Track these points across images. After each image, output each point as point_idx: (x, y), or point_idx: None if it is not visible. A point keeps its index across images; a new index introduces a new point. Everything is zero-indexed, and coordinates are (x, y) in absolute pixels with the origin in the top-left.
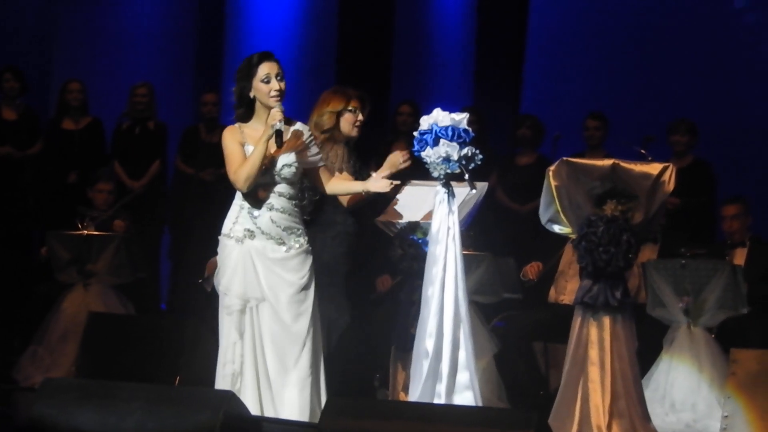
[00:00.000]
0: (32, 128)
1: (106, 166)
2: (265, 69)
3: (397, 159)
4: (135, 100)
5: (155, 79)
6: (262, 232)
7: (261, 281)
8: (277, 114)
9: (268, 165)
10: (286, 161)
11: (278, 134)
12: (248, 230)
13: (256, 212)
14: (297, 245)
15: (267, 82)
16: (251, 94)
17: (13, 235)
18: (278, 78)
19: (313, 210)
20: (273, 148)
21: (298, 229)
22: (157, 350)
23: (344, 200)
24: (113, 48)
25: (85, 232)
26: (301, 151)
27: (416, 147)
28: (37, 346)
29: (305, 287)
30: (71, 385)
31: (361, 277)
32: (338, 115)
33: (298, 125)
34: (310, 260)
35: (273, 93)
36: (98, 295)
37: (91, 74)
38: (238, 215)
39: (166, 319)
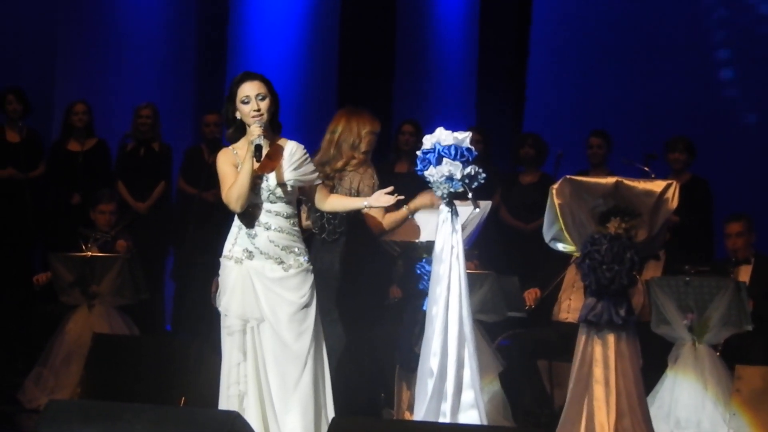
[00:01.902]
0: (35, 150)
1: (108, 187)
2: (245, 90)
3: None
4: (139, 121)
5: (156, 99)
6: (261, 252)
7: (260, 301)
8: (255, 130)
9: (261, 184)
10: (280, 180)
11: (257, 149)
12: (247, 251)
13: (253, 232)
14: (296, 264)
15: (247, 103)
16: (237, 115)
17: (16, 256)
18: (259, 98)
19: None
20: (267, 167)
21: (298, 249)
22: (162, 371)
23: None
24: (115, 69)
25: (89, 253)
26: (295, 168)
27: (419, 166)
28: (41, 368)
29: (305, 306)
30: (75, 406)
31: (368, 296)
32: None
33: (292, 144)
34: (310, 279)
35: (253, 114)
36: (102, 316)
37: (92, 95)
38: (237, 236)
39: (170, 340)
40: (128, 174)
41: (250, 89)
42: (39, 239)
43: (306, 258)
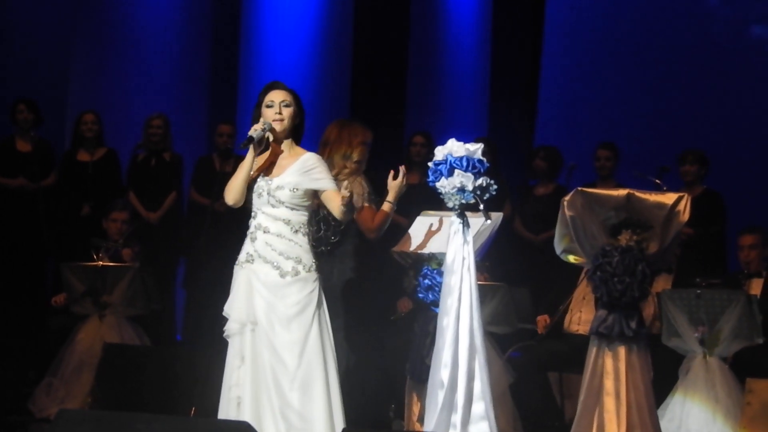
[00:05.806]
0: (46, 160)
1: (120, 197)
2: (271, 96)
3: (399, 182)
4: (150, 131)
5: (169, 109)
6: (259, 256)
7: (255, 305)
8: (259, 125)
9: (262, 186)
10: (280, 183)
11: (249, 140)
12: (248, 254)
13: (254, 235)
14: (293, 272)
15: (270, 107)
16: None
17: (27, 266)
18: (283, 104)
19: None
20: (264, 165)
21: (298, 257)
22: (173, 381)
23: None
24: (128, 79)
25: (100, 263)
26: (300, 174)
27: (431, 177)
28: (52, 378)
29: (298, 316)
30: (86, 416)
31: (377, 305)
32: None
33: (309, 154)
34: (308, 289)
35: (275, 117)
36: (113, 326)
37: (106, 105)
38: (245, 242)
39: (181, 350)
40: (139, 184)
41: (276, 95)
42: (51, 249)
43: (307, 268)
